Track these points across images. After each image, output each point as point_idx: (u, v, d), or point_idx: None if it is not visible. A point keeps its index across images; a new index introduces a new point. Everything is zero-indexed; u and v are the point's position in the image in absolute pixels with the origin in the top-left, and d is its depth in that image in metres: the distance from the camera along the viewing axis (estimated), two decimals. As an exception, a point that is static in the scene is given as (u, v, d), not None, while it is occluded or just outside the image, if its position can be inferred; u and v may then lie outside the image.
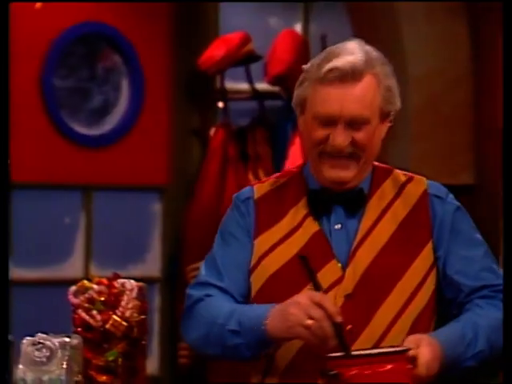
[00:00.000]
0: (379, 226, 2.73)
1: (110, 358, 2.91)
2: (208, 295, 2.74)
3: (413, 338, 2.53)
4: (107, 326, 2.94)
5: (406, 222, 2.74)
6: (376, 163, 2.79)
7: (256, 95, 5.95)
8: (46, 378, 3.81)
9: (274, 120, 6.04)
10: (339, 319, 2.44)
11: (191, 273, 5.29)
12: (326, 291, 2.61)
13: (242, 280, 2.76)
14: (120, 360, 2.88)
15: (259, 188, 2.82)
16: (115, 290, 3.90)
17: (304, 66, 2.73)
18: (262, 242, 2.74)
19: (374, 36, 5.32)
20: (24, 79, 5.51)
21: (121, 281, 2.97)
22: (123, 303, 2.96)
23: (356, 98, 2.64)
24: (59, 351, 3.88)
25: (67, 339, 3.92)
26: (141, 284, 2.93)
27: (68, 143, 5.67)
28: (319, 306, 2.44)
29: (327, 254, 2.69)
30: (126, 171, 5.81)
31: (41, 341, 3.81)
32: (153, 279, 5.84)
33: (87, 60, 5.80)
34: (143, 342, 2.90)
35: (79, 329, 4.02)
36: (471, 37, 5.34)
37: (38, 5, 4.25)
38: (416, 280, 2.70)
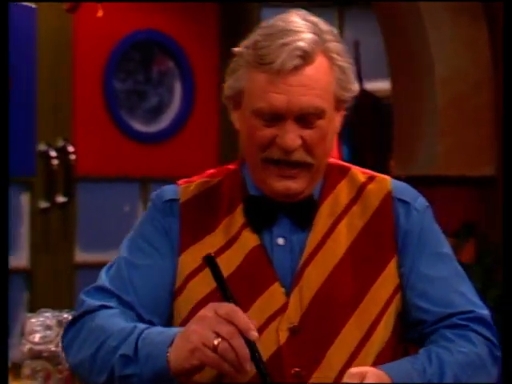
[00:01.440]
0: (331, 238, 2.01)
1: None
2: (105, 306, 1.98)
3: (356, 370, 1.84)
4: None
5: (365, 233, 2.03)
6: (330, 160, 2.08)
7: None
8: None
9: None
10: (254, 336, 1.74)
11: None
12: (268, 323, 1.94)
13: (155, 301, 2.00)
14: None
15: (185, 190, 2.06)
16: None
17: (235, 49, 1.98)
18: (189, 258, 2.00)
19: (403, 41, 5.36)
20: (88, 83, 5.56)
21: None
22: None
23: (306, 85, 1.92)
24: None
25: None
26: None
27: (127, 139, 5.71)
28: (227, 319, 1.74)
29: (268, 276, 1.97)
30: (178, 164, 5.80)
31: None
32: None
33: (143, 65, 5.84)
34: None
35: None
36: (491, 40, 5.33)
37: (100, 13, 4.29)
38: (378, 306, 2.00)
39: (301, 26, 1.94)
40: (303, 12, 2.00)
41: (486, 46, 5.30)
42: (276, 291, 1.97)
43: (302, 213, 2.02)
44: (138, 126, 5.78)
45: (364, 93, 6.00)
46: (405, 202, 2.06)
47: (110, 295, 1.99)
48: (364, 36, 5.90)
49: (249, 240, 2.00)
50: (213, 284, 1.87)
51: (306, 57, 1.90)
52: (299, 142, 1.93)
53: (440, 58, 5.25)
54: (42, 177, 5.43)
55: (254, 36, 1.95)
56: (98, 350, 1.91)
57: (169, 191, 2.07)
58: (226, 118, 6.54)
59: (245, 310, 1.86)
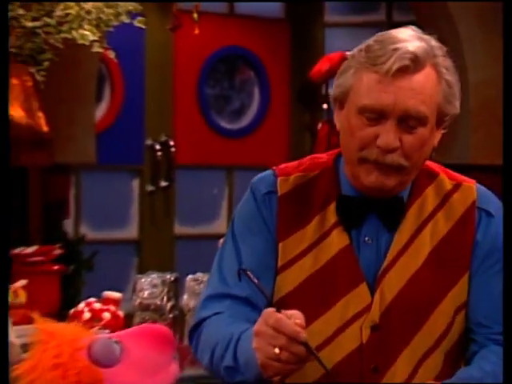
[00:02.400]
0: (415, 242, 1.80)
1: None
2: (216, 313, 1.80)
3: None
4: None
5: (447, 242, 1.80)
6: None
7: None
8: None
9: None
10: (303, 338, 1.54)
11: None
12: (351, 321, 1.77)
13: (269, 282, 1.80)
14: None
15: (283, 183, 1.84)
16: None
17: (348, 53, 1.80)
18: (284, 248, 1.81)
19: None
20: (185, 89, 5.59)
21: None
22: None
23: (414, 90, 1.70)
24: None
25: None
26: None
27: (215, 135, 5.73)
28: (277, 330, 1.54)
29: (356, 276, 1.78)
30: (256, 155, 5.80)
31: (200, 278, 3.96)
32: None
33: (228, 74, 5.85)
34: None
35: None
36: None
37: (196, 31, 4.33)
38: (450, 313, 1.80)
39: (413, 36, 1.75)
40: (415, 28, 1.80)
41: None
42: (362, 291, 1.78)
43: (390, 214, 1.80)
44: (224, 124, 5.79)
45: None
46: (489, 214, 1.83)
47: (222, 298, 1.80)
48: None
49: (339, 239, 1.80)
50: (300, 279, 1.78)
51: (415, 61, 1.70)
52: (398, 143, 1.71)
53: (472, 66, 5.25)
54: (149, 166, 5.48)
55: (368, 41, 1.76)
56: (211, 359, 1.75)
57: (267, 182, 1.86)
58: (293, 118, 6.56)
59: (329, 306, 1.76)
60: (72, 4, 3.79)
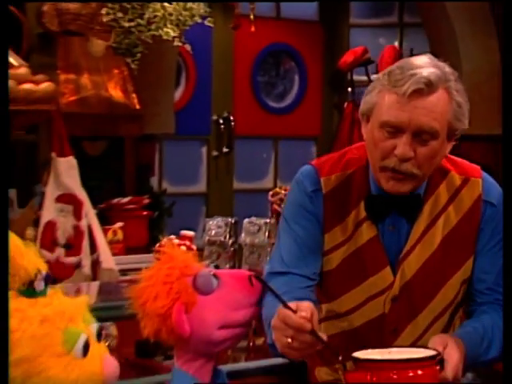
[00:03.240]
0: (430, 232, 1.74)
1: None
2: (276, 274, 1.74)
3: (439, 339, 1.59)
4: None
5: (457, 229, 1.74)
6: None
7: (370, 82, 5.87)
8: (257, 240, 4.01)
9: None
10: (308, 327, 1.44)
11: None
12: (376, 296, 1.73)
13: (316, 259, 1.75)
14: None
15: (327, 182, 1.76)
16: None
17: (375, 76, 1.62)
18: (328, 238, 1.76)
19: (443, 48, 5.25)
20: (242, 76, 5.55)
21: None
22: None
23: (427, 109, 1.62)
24: (263, 227, 4.07)
25: (267, 220, 4.10)
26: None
27: (264, 112, 5.68)
28: (286, 324, 1.46)
29: (381, 261, 1.73)
30: (296, 128, 5.76)
31: (254, 221, 4.02)
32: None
33: (275, 65, 5.79)
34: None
35: (274, 215, 4.23)
36: (499, 46, 5.21)
37: (252, 29, 4.32)
38: (457, 287, 1.76)
39: (429, 63, 1.66)
40: (432, 56, 1.70)
41: (496, 50, 5.22)
42: (386, 273, 1.73)
43: (409, 208, 1.72)
44: (271, 104, 5.74)
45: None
46: (492, 205, 1.75)
47: (280, 275, 1.72)
48: (417, 45, 5.66)
49: (368, 230, 1.73)
50: (338, 261, 1.73)
51: (429, 85, 1.61)
52: (412, 154, 1.63)
53: (465, 57, 5.21)
54: (214, 136, 5.45)
55: (391, 67, 1.69)
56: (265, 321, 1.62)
57: (312, 181, 1.77)
58: (325, 99, 6.45)
59: (359, 283, 1.73)
60: (158, 7, 3.85)
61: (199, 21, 3.95)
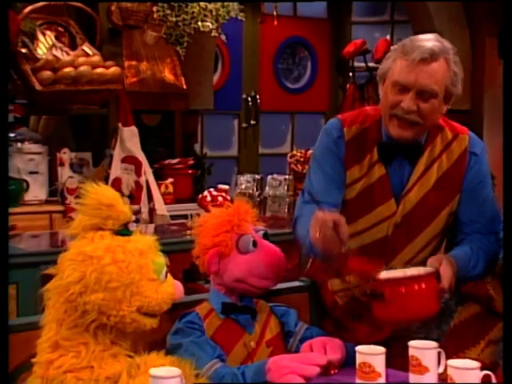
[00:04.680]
0: (427, 173, 1.75)
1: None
2: (307, 202, 1.76)
3: (436, 258, 1.63)
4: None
5: (448, 173, 1.76)
6: None
7: (368, 68, 5.72)
8: (278, 193, 4.00)
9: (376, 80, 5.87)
10: (331, 223, 1.49)
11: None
12: (382, 221, 1.74)
13: (340, 189, 1.76)
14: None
15: (349, 131, 1.77)
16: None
17: (392, 47, 1.77)
18: (349, 175, 1.76)
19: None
20: (266, 63, 5.48)
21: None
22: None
23: (429, 73, 1.64)
24: (283, 182, 4.06)
25: (286, 177, 4.04)
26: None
27: (284, 92, 5.59)
28: (316, 220, 1.51)
29: (388, 195, 1.75)
30: (309, 105, 5.69)
31: (276, 177, 4.01)
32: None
33: (292, 54, 5.69)
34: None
35: (291, 173, 4.19)
36: (470, 41, 5.15)
37: (275, 23, 4.27)
38: (446, 218, 1.77)
39: (433, 39, 1.70)
40: (437, 35, 1.75)
41: (468, 40, 5.14)
42: (391, 204, 1.75)
43: (412, 154, 1.74)
44: (289, 85, 5.65)
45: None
46: (476, 155, 1.77)
47: (311, 203, 1.72)
48: (406, 37, 5.64)
49: (379, 170, 1.75)
50: (357, 191, 1.73)
51: (432, 55, 1.65)
52: (415, 107, 1.66)
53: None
54: (244, 111, 5.39)
55: (404, 41, 1.72)
56: (305, 240, 1.63)
57: (338, 130, 1.78)
58: (332, 81, 6.34)
59: (370, 210, 1.74)
60: (202, 4, 3.83)
61: (233, 16, 3.89)
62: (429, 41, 1.69)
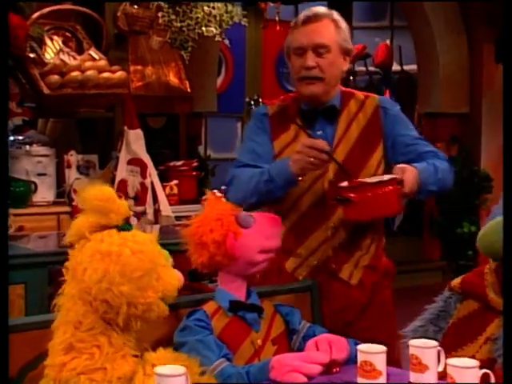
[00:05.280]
0: (348, 131, 1.83)
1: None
2: (241, 166, 1.83)
3: (400, 167, 1.72)
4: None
5: (366, 128, 1.84)
6: (342, 88, 1.88)
7: (368, 72, 5.82)
8: None
9: (376, 82, 5.89)
10: (327, 148, 1.66)
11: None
12: (318, 178, 1.81)
13: (269, 160, 1.81)
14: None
15: (271, 108, 1.88)
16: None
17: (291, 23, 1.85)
18: (277, 143, 1.82)
19: (424, 45, 5.21)
20: (268, 67, 5.54)
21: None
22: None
23: (317, 31, 1.78)
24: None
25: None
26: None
27: (284, 92, 5.67)
28: (311, 146, 1.66)
29: None
30: None
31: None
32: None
33: None
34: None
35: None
36: (468, 46, 5.16)
37: (278, 28, 4.28)
38: (375, 164, 1.82)
39: (322, 8, 1.84)
40: (331, 10, 1.86)
41: (465, 46, 5.15)
42: None
43: (330, 116, 1.83)
44: (291, 89, 5.46)
45: (403, 71, 5.89)
46: (386, 108, 1.87)
47: (241, 167, 1.82)
48: (404, 43, 5.68)
49: (304, 135, 1.79)
50: (290, 154, 1.74)
51: (316, 15, 1.80)
52: (314, 63, 1.78)
53: (441, 51, 5.12)
54: (246, 114, 5.42)
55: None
56: (248, 185, 1.76)
57: (262, 110, 1.91)
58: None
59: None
60: (206, 10, 3.83)
61: (237, 21, 3.90)
62: (316, 9, 1.82)
